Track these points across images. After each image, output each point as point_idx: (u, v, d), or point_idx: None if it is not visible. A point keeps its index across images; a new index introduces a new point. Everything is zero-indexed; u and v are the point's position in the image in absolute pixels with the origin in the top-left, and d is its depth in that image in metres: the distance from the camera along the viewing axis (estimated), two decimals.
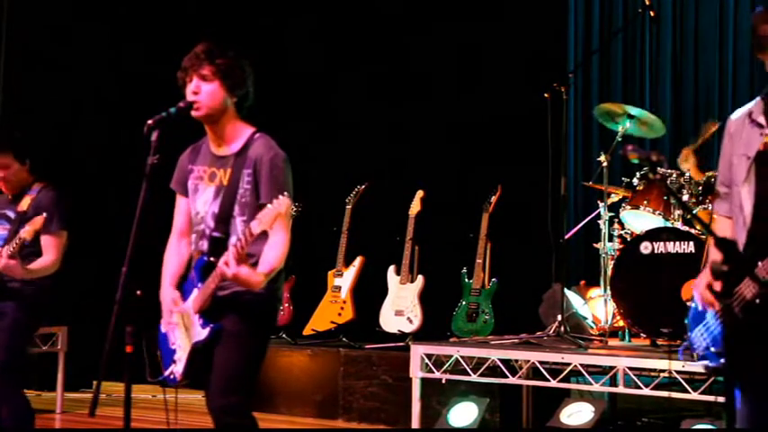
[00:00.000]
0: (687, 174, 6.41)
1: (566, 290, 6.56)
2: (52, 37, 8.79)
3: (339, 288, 7.74)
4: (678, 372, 5.38)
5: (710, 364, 3.44)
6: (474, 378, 6.11)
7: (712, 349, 3.41)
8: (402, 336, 7.39)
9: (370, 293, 7.71)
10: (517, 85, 8.06)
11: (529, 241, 7.58)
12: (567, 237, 6.54)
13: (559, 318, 6.33)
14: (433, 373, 6.16)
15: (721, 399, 3.21)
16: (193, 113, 3.88)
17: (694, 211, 6.18)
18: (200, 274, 3.89)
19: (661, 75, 8.13)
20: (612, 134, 6.81)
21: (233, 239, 3.84)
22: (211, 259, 3.84)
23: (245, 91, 3.95)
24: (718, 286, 3.16)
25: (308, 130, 8.61)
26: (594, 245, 6.90)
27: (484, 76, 8.38)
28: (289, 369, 7.44)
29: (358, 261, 7.76)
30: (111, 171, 8.74)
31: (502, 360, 6.04)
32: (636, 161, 3.18)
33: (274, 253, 3.78)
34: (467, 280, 7.40)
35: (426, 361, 6.17)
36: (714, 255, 3.16)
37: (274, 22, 8.95)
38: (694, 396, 5.39)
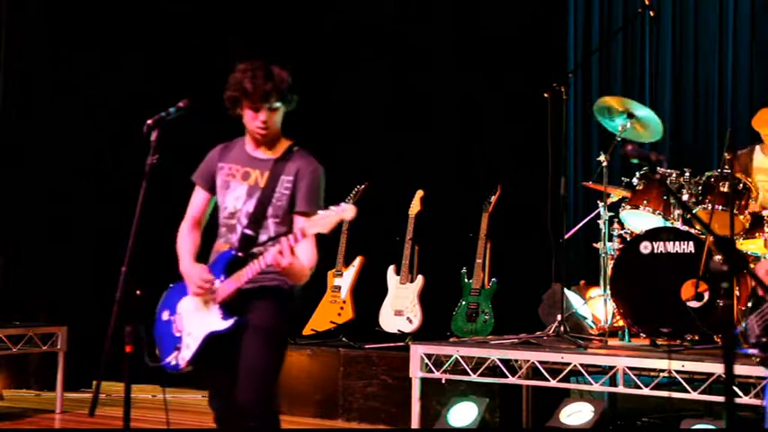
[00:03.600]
0: (687, 174, 6.40)
1: (565, 290, 6.56)
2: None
3: (339, 288, 7.74)
4: (678, 371, 5.38)
5: (759, 353, 3.41)
6: (474, 378, 6.11)
7: (764, 339, 3.37)
8: (402, 336, 7.39)
9: (369, 293, 7.71)
10: (517, 84, 8.06)
11: (529, 241, 7.58)
12: (566, 236, 6.54)
13: (559, 318, 6.33)
14: (433, 372, 6.16)
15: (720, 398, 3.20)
16: (259, 136, 4.08)
17: (694, 211, 6.17)
18: (226, 266, 4.00)
19: (661, 74, 8.13)
20: (612, 134, 6.80)
21: (263, 237, 3.99)
22: (240, 254, 3.99)
23: (293, 106, 4.15)
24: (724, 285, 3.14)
25: (308, 129, 8.60)
26: (594, 245, 6.90)
27: (484, 75, 8.37)
28: (288, 369, 7.43)
29: (358, 261, 7.76)
30: (111, 171, 8.73)
31: (502, 360, 6.04)
32: (635, 161, 3.19)
33: (310, 253, 3.97)
34: (466, 280, 7.40)
35: (426, 361, 6.17)
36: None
37: (274, 22, 8.95)
38: (694, 396, 5.38)
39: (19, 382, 8.61)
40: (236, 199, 4.10)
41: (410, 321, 7.42)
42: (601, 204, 6.71)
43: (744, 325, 3.49)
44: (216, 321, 3.98)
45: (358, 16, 8.69)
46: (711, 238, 3.15)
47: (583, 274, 7.43)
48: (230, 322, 3.96)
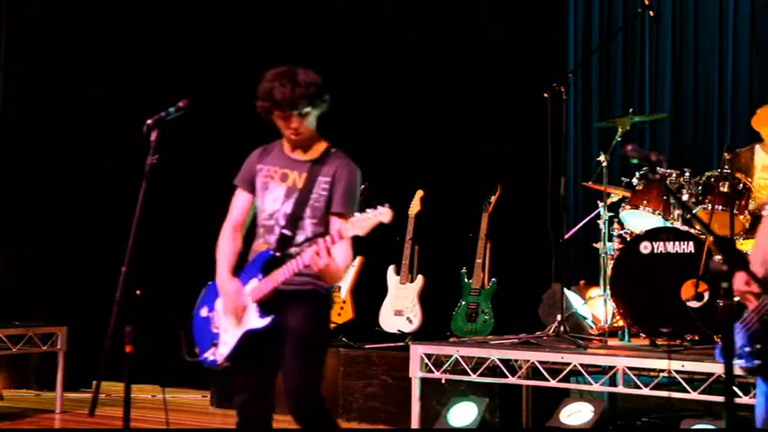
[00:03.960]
0: (687, 174, 6.40)
1: (565, 290, 6.56)
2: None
3: (339, 288, 7.74)
4: (677, 371, 5.38)
5: (744, 364, 3.41)
6: (474, 378, 6.11)
7: (747, 349, 3.38)
8: (402, 336, 7.39)
9: (369, 293, 7.71)
10: (517, 84, 8.06)
11: (529, 241, 7.58)
12: (566, 236, 6.54)
13: (559, 317, 6.33)
14: (433, 372, 6.16)
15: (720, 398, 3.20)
16: (293, 140, 4.19)
17: (694, 211, 6.17)
18: (263, 266, 4.11)
19: (661, 74, 8.13)
20: (612, 134, 6.81)
21: (300, 238, 4.09)
22: (278, 254, 4.09)
23: (325, 107, 4.22)
24: (724, 285, 3.15)
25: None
26: (594, 245, 6.90)
27: (484, 75, 8.37)
28: None
29: (357, 261, 7.76)
30: (111, 171, 8.73)
31: (501, 360, 6.04)
32: (635, 161, 3.19)
33: (346, 255, 4.07)
34: (466, 280, 7.40)
35: (426, 361, 6.17)
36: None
37: (274, 22, 8.95)
38: (694, 396, 5.38)
39: (19, 382, 8.62)
40: (274, 200, 4.20)
41: (410, 321, 7.42)
42: (601, 204, 6.71)
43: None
44: (253, 319, 4.09)
45: (358, 16, 8.69)
46: (711, 238, 3.15)
47: (583, 274, 7.42)
48: (267, 320, 4.07)
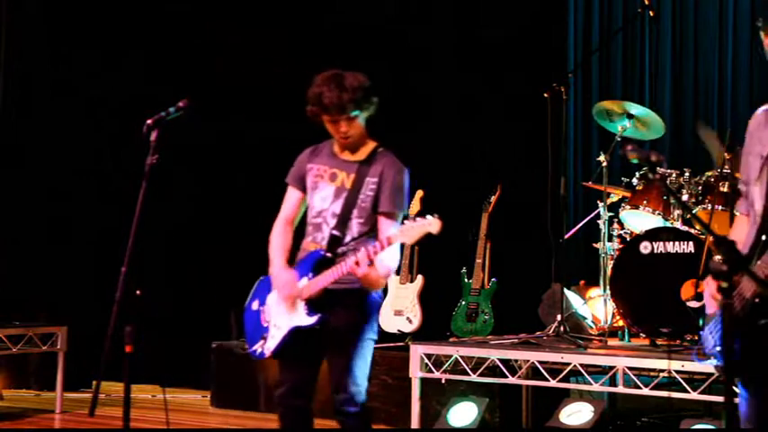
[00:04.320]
0: (687, 174, 6.40)
1: (565, 290, 6.56)
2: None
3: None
4: (677, 372, 5.38)
5: (719, 364, 3.44)
6: (473, 378, 6.11)
7: (718, 348, 3.40)
8: (401, 336, 7.39)
9: None
10: (517, 84, 8.05)
11: (528, 241, 7.58)
12: (566, 237, 6.54)
13: (559, 318, 6.33)
14: (433, 373, 6.16)
15: (720, 398, 3.21)
16: (343, 143, 4.30)
17: (694, 211, 6.17)
18: (313, 265, 4.22)
19: (661, 74, 8.13)
20: (612, 134, 6.80)
21: (348, 238, 4.22)
22: (328, 254, 4.21)
23: (373, 109, 4.33)
24: (722, 285, 3.16)
25: (307, 129, 8.60)
26: (594, 245, 6.90)
27: (483, 75, 8.37)
28: None
29: None
30: (111, 171, 8.73)
31: (501, 360, 6.04)
32: (635, 161, 3.19)
33: (391, 263, 4.20)
34: (466, 280, 7.40)
35: (426, 361, 6.17)
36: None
37: (274, 22, 8.95)
38: (694, 396, 5.38)
39: (19, 382, 8.62)
40: (322, 199, 4.31)
41: (410, 321, 7.42)
42: (601, 204, 6.71)
43: (699, 335, 3.53)
44: (301, 317, 4.21)
45: (358, 16, 8.69)
46: (711, 238, 3.15)
47: (583, 275, 7.43)
48: (315, 319, 4.19)
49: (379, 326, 7.40)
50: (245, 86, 8.76)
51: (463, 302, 7.39)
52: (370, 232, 4.15)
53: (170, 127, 4.02)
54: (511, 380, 6.03)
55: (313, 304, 4.20)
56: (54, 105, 8.88)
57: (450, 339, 6.91)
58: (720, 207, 6.10)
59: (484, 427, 6.23)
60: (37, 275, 8.63)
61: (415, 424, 6.15)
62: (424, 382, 6.21)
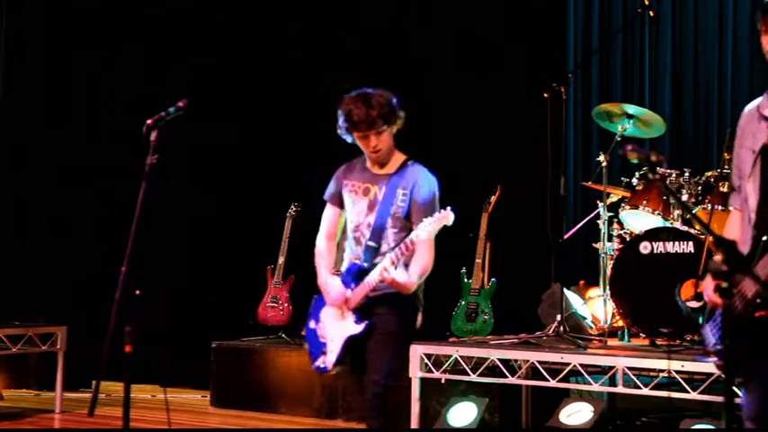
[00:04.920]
0: (686, 174, 6.40)
1: (565, 290, 6.56)
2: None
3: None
4: (677, 372, 5.38)
5: (719, 362, 3.44)
6: (473, 378, 6.11)
7: (719, 347, 3.41)
8: None
9: None
10: (517, 84, 8.05)
11: (528, 241, 7.58)
12: (566, 237, 6.54)
13: (559, 318, 6.33)
14: (433, 372, 6.16)
15: (720, 398, 3.21)
16: (373, 157, 4.59)
17: (693, 211, 6.17)
18: (354, 277, 4.50)
19: (660, 74, 8.13)
20: (612, 134, 6.80)
21: (384, 248, 4.48)
22: (365, 265, 4.48)
23: (401, 123, 4.63)
24: (723, 285, 3.16)
25: (306, 129, 8.61)
26: (594, 245, 6.90)
27: (483, 75, 8.37)
28: (288, 369, 7.44)
29: None
30: (111, 171, 8.73)
31: (501, 360, 6.04)
32: (635, 161, 3.19)
33: (422, 262, 4.48)
34: (466, 280, 7.40)
35: (426, 361, 6.17)
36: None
37: (274, 22, 8.95)
38: (693, 396, 5.38)
39: (18, 382, 8.62)
40: (358, 213, 4.59)
41: None
42: (600, 204, 6.71)
43: (700, 333, 3.53)
44: (351, 326, 4.49)
45: (358, 17, 8.69)
46: (711, 238, 3.15)
47: (582, 275, 7.42)
48: (363, 326, 4.46)
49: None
50: (245, 86, 8.78)
51: (463, 302, 7.39)
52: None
53: (170, 127, 4.01)
54: (510, 380, 6.03)
55: (359, 312, 4.48)
56: (54, 105, 8.88)
57: (450, 339, 6.91)
58: (720, 207, 6.09)
59: (483, 427, 6.23)
60: (37, 275, 8.62)
61: (414, 424, 6.15)
62: (424, 381, 6.20)
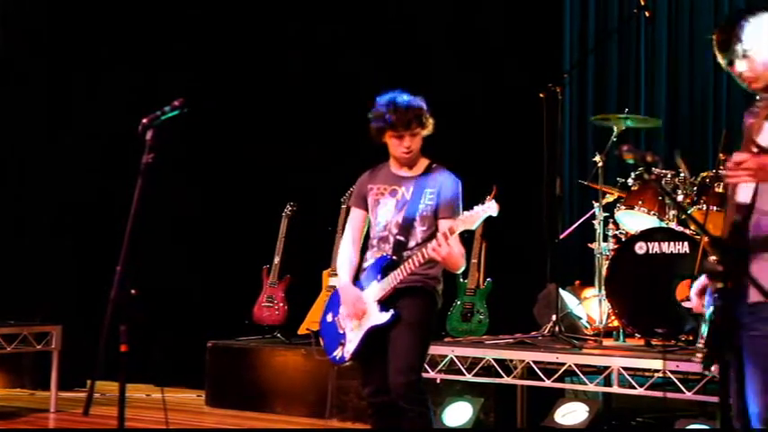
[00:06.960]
0: (682, 174, 6.41)
1: (560, 290, 6.56)
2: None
3: (334, 287, 7.73)
4: (672, 372, 5.39)
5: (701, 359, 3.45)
6: (469, 378, 6.11)
7: (711, 308, 3.40)
8: None
9: None
10: (513, 84, 8.05)
11: (524, 241, 7.58)
12: (562, 237, 6.55)
13: (554, 318, 6.33)
14: (428, 372, 6.16)
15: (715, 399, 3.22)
16: (404, 159, 4.72)
17: (689, 212, 6.18)
18: (382, 269, 4.59)
19: (656, 74, 8.13)
20: (608, 134, 6.81)
21: (412, 243, 4.59)
22: (393, 257, 4.58)
23: (431, 128, 4.80)
24: (717, 285, 3.16)
25: (305, 129, 8.61)
26: (589, 245, 6.90)
27: (479, 75, 8.37)
28: (284, 369, 7.44)
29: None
30: (110, 171, 8.72)
31: (496, 360, 6.04)
32: (631, 161, 3.19)
33: (459, 248, 4.52)
34: (461, 280, 7.40)
35: None
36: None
37: (274, 22, 8.95)
38: (688, 396, 5.39)
39: (13, 382, 8.61)
40: (386, 212, 4.68)
41: None
42: (596, 205, 6.71)
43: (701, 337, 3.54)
44: (375, 316, 4.56)
45: (357, 16, 8.69)
46: (706, 239, 3.16)
47: (578, 275, 7.43)
48: (388, 316, 4.53)
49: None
50: (244, 86, 8.78)
51: (458, 302, 7.39)
52: (434, 237, 4.47)
53: (166, 126, 4.01)
54: (506, 380, 6.03)
55: (385, 303, 4.56)
56: (54, 105, 8.88)
57: (446, 339, 6.91)
58: (715, 208, 6.10)
59: (479, 428, 6.23)
60: (32, 274, 8.61)
61: None
62: None
